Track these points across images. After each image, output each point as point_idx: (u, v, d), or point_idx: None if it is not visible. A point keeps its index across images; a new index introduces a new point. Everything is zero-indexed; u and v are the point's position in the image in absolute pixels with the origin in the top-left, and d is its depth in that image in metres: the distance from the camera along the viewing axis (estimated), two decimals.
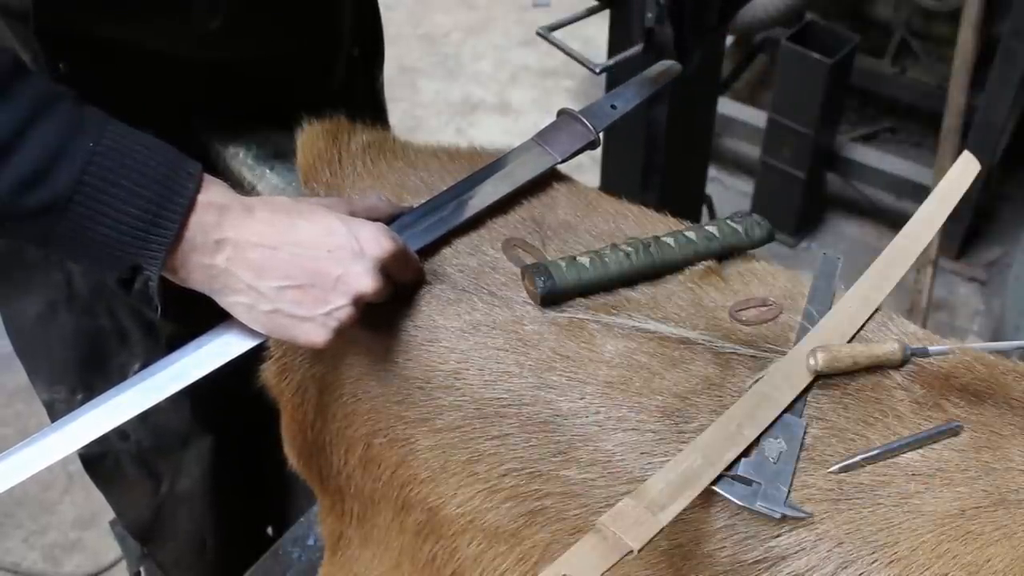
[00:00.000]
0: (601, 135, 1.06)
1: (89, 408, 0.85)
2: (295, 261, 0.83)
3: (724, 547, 0.79)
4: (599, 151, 2.38)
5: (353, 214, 0.90)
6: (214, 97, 1.14)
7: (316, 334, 0.85)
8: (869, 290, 0.94)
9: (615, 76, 1.60)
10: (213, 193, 0.83)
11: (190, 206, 0.81)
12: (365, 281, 0.84)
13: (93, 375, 1.29)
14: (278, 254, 0.83)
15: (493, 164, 1.01)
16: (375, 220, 0.90)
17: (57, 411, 1.32)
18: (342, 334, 0.85)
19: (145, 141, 0.81)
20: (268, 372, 1.03)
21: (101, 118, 0.80)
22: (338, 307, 0.84)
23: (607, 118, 1.07)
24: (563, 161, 1.04)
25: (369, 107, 1.34)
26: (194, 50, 1.07)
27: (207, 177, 0.83)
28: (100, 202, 0.78)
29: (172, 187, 0.80)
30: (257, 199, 0.86)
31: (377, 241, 0.86)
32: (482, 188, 0.99)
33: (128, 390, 0.86)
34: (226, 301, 0.85)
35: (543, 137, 1.04)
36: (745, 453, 0.81)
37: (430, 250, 0.95)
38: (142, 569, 1.57)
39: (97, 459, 1.38)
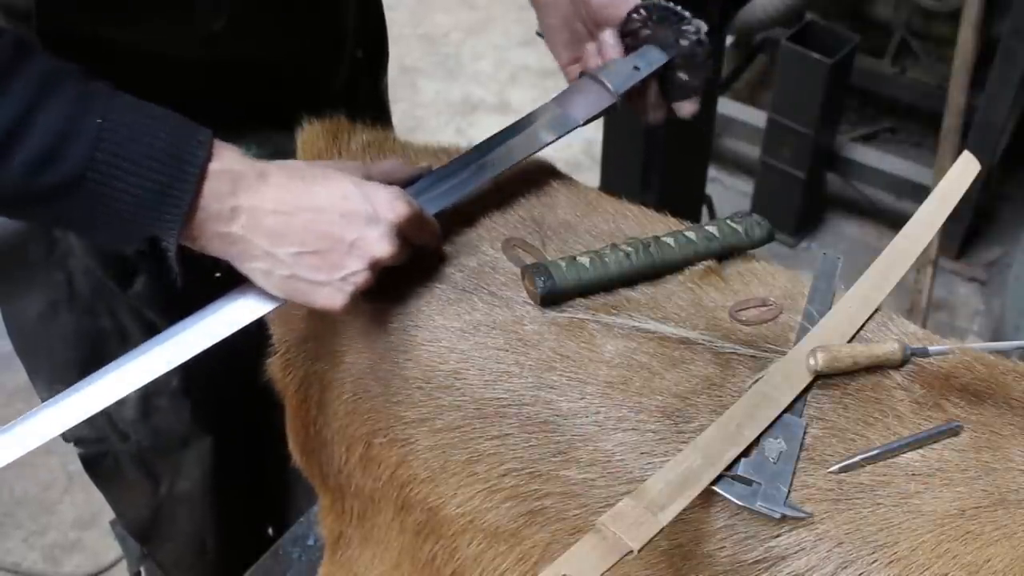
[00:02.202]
0: (620, 100, 1.02)
1: (105, 372, 0.85)
2: (310, 227, 0.84)
3: (724, 547, 0.79)
4: (599, 151, 2.39)
5: (369, 178, 0.90)
6: (216, 97, 1.14)
7: (333, 298, 0.85)
8: (869, 290, 0.94)
9: None
10: (226, 160, 0.83)
11: (202, 175, 0.81)
12: (381, 245, 0.85)
13: None
14: (293, 220, 0.83)
15: (512, 127, 1.00)
16: (391, 184, 0.90)
17: None
18: (359, 298, 0.86)
19: (153, 112, 0.81)
20: (273, 366, 1.03)
21: (107, 92, 0.80)
22: (354, 272, 0.85)
23: (629, 80, 1.02)
24: (584, 123, 1.01)
25: (372, 108, 1.34)
26: (197, 51, 1.07)
27: (218, 143, 0.83)
28: (113, 177, 0.78)
29: (183, 157, 0.80)
30: (272, 164, 0.86)
31: (392, 205, 0.86)
32: (501, 151, 0.98)
33: (148, 351, 0.86)
34: (244, 267, 0.86)
35: (563, 100, 1.02)
36: (745, 453, 0.81)
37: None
38: (142, 569, 1.57)
39: (97, 459, 1.38)
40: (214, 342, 0.87)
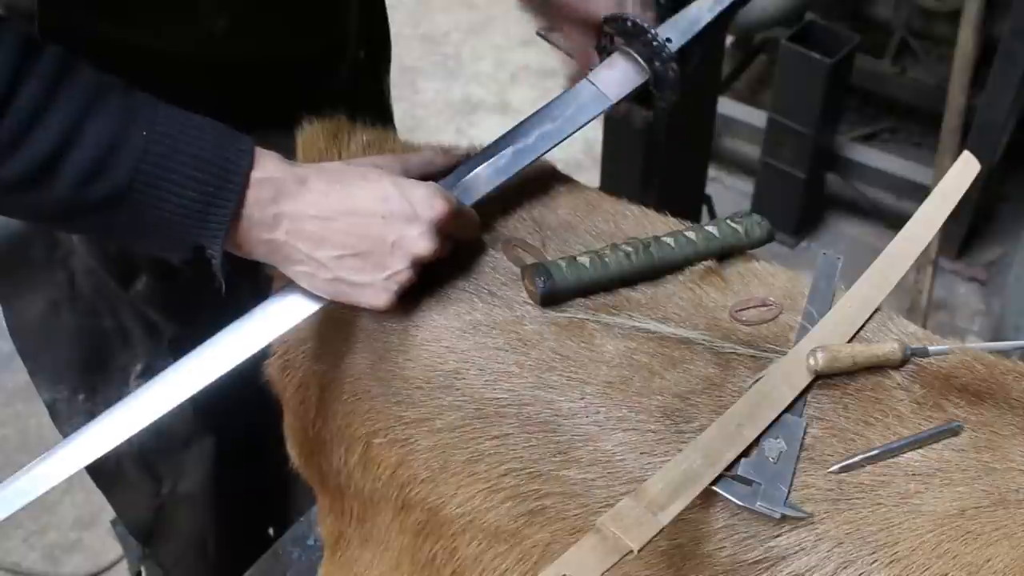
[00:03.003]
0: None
1: (161, 378, 0.86)
2: (351, 230, 0.85)
3: (724, 547, 0.79)
4: (599, 151, 2.39)
5: (407, 172, 0.91)
6: (217, 97, 1.14)
7: (377, 298, 0.87)
8: (869, 290, 0.94)
9: None
10: (267, 167, 0.84)
11: (245, 184, 0.82)
12: (421, 244, 0.86)
13: (95, 376, 1.29)
14: (334, 224, 0.85)
15: (546, 108, 0.99)
16: (430, 176, 0.92)
17: (59, 411, 1.32)
18: (403, 295, 0.88)
19: (195, 122, 0.82)
20: (272, 367, 1.03)
21: (151, 104, 0.81)
22: (397, 271, 0.86)
23: (663, 54, 1.01)
24: (618, 103, 1.01)
25: (374, 109, 1.34)
26: (198, 50, 1.07)
27: (259, 151, 0.84)
28: (158, 188, 0.79)
29: (226, 166, 0.81)
30: (310, 168, 0.87)
31: (430, 203, 0.87)
32: (538, 133, 0.98)
33: (199, 356, 0.87)
34: (289, 271, 0.87)
35: (596, 77, 1.01)
36: (745, 453, 0.81)
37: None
38: (143, 569, 1.57)
39: (98, 460, 1.38)
40: (265, 344, 0.89)
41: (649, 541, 0.73)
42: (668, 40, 1.00)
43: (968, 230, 2.89)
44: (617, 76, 1.01)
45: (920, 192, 2.63)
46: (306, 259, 0.86)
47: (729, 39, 3.20)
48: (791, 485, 0.79)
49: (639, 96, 1.04)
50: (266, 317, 0.89)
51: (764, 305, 0.93)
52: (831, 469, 0.80)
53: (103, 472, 1.40)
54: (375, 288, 0.87)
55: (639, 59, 1.01)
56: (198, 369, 0.86)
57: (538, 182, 1.03)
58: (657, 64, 1.00)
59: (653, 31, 1.00)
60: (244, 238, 0.84)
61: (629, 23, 1.01)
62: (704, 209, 2.57)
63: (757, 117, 2.98)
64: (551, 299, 0.91)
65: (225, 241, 0.83)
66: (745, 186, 3.11)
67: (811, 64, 2.61)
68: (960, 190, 1.01)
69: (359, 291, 0.87)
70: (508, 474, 0.87)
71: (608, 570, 0.72)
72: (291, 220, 0.84)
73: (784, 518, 0.78)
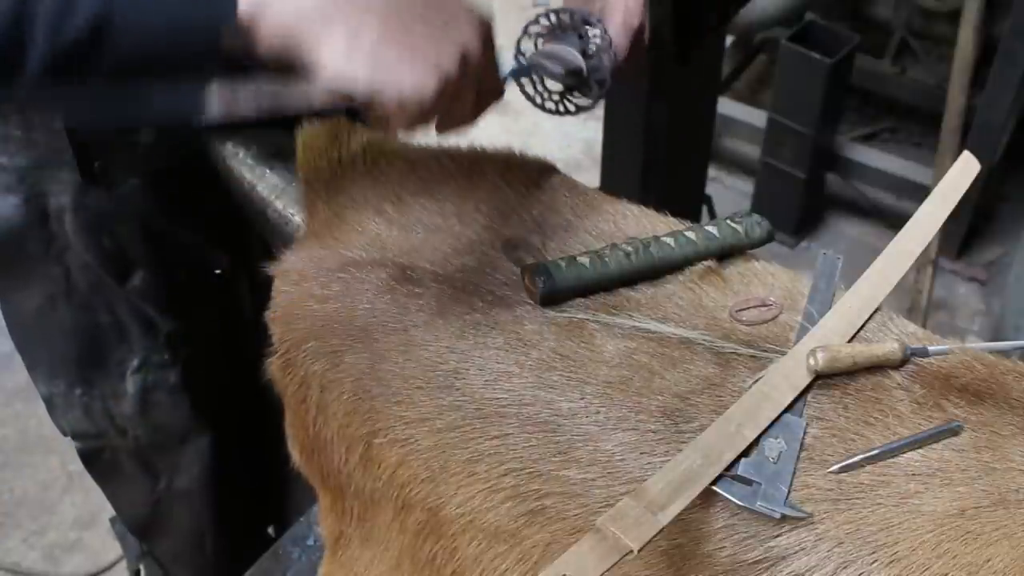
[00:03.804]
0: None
1: None
2: None
3: (724, 547, 0.79)
4: (599, 151, 2.38)
5: None
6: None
7: (423, 76, 0.75)
8: (869, 290, 0.94)
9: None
10: None
11: None
12: (471, 36, 0.77)
13: (92, 370, 1.30)
14: None
15: None
16: None
17: (56, 405, 1.33)
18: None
19: None
20: (273, 367, 1.03)
21: None
22: (448, 52, 0.76)
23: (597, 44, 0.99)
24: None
25: None
26: None
27: None
28: None
29: None
30: None
31: (477, 16, 0.80)
32: None
33: None
34: (323, 38, 0.73)
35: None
36: (745, 453, 0.81)
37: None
38: (142, 567, 1.57)
39: (94, 454, 1.38)
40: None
41: (649, 541, 0.73)
42: (604, 32, 0.98)
43: (968, 230, 2.89)
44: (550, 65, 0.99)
45: (920, 192, 2.63)
46: (351, 11, 0.72)
47: (729, 39, 3.20)
48: (791, 485, 0.79)
49: (570, 89, 1.02)
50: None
51: (764, 305, 0.93)
52: (831, 469, 0.80)
53: (100, 466, 1.40)
54: (424, 66, 0.75)
55: (573, 51, 0.99)
56: None
57: (538, 182, 1.03)
58: (591, 49, 0.99)
59: (591, 18, 0.98)
60: (264, 4, 0.71)
61: (560, 16, 0.99)
62: (704, 209, 2.57)
63: (757, 117, 2.98)
64: (551, 299, 0.91)
65: (241, 21, 0.71)
66: (745, 186, 3.11)
67: (811, 64, 2.61)
68: (960, 190, 1.01)
69: (403, 68, 0.74)
70: (508, 474, 0.87)
71: (608, 570, 0.72)
72: None
73: (784, 518, 0.78)
